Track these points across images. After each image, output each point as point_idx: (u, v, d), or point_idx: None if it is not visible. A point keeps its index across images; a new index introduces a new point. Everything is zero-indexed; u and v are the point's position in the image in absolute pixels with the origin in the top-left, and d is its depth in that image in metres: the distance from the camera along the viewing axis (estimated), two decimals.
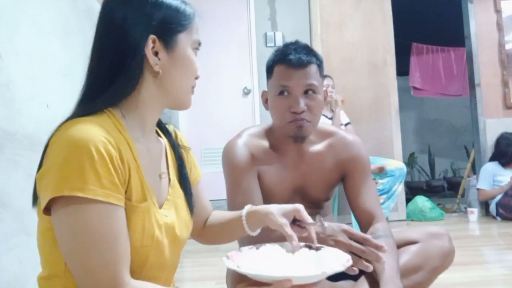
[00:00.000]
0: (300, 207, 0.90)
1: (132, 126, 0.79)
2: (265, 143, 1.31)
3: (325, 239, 1.03)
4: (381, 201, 3.01)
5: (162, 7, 0.78)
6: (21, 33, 1.35)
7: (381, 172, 3.17)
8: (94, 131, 0.68)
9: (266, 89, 1.32)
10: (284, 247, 0.84)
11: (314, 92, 1.22)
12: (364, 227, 1.24)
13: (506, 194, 3.71)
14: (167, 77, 0.79)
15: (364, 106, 3.92)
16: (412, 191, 5.96)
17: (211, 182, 2.59)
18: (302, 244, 0.85)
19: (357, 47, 3.97)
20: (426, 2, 5.35)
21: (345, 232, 1.05)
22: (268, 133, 1.33)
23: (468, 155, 4.97)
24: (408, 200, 4.06)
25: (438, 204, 4.55)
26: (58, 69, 1.62)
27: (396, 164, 3.26)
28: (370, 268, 0.99)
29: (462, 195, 4.62)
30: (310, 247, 0.85)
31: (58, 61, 1.63)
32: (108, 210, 0.67)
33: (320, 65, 1.25)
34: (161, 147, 0.89)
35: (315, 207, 1.32)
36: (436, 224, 2.91)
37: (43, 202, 0.68)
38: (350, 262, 0.77)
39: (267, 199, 1.25)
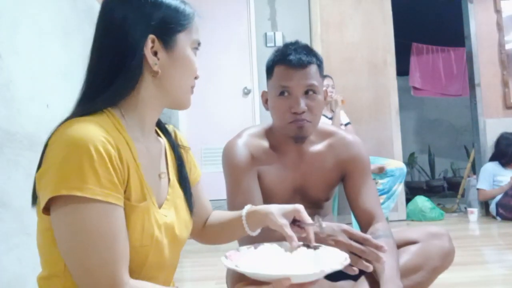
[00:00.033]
0: (300, 207, 0.90)
1: (132, 126, 0.79)
2: (265, 143, 1.31)
3: (325, 239, 1.03)
4: (381, 201, 3.01)
5: (162, 7, 0.78)
6: (21, 33, 1.35)
7: (381, 172, 3.17)
8: (93, 130, 0.68)
9: (266, 89, 1.32)
10: (282, 247, 0.84)
11: (314, 92, 1.22)
12: (364, 227, 1.24)
13: (506, 194, 3.71)
14: (166, 77, 0.79)
15: (364, 106, 3.92)
16: (412, 191, 5.96)
17: (211, 182, 2.59)
18: (300, 243, 0.86)
19: (357, 47, 3.97)
20: (426, 2, 5.35)
21: (345, 232, 1.05)
22: (268, 133, 1.33)
23: (468, 155, 4.97)
24: (408, 200, 4.06)
25: (438, 204, 4.55)
26: (58, 69, 1.63)
27: (396, 164, 3.26)
28: (370, 268, 0.99)
29: (462, 195, 4.62)
30: (308, 246, 0.85)
31: (58, 61, 1.63)
32: (107, 210, 0.67)
33: (320, 65, 1.25)
34: (161, 147, 0.89)
35: (315, 207, 1.32)
36: (436, 224, 2.91)
37: (42, 201, 0.68)
38: (348, 261, 0.77)
39: (267, 199, 1.25)
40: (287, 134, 1.25)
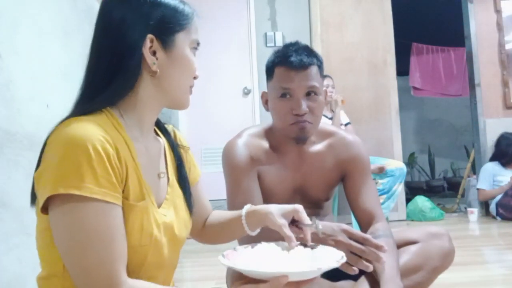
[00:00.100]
0: (299, 207, 0.90)
1: (130, 125, 0.79)
2: (265, 143, 1.31)
3: (325, 239, 1.03)
4: (381, 201, 3.01)
5: (160, 7, 0.78)
6: (21, 33, 1.35)
7: (381, 172, 3.17)
8: (92, 129, 0.68)
9: (265, 90, 1.32)
10: (279, 246, 0.84)
11: (315, 93, 1.22)
12: (364, 227, 1.24)
13: (506, 194, 3.71)
14: (165, 76, 0.79)
15: (364, 106, 3.92)
16: (412, 191, 5.96)
17: (211, 182, 2.59)
18: (298, 243, 0.86)
19: (357, 47, 3.97)
20: (426, 2, 5.35)
21: (345, 232, 1.05)
22: (268, 133, 1.33)
23: (468, 155, 4.97)
24: (408, 200, 4.06)
25: (438, 204, 4.55)
26: (58, 69, 1.62)
27: (396, 164, 3.26)
28: (370, 268, 0.99)
29: (462, 195, 4.62)
30: (305, 246, 0.86)
31: (58, 61, 1.63)
32: (104, 208, 0.67)
33: (320, 66, 1.25)
34: (160, 146, 0.89)
35: (315, 207, 1.32)
36: (436, 224, 2.91)
37: (40, 200, 0.68)
38: (344, 259, 0.78)
39: (267, 199, 1.25)
40: (289, 136, 1.25)
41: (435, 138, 7.23)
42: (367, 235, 1.04)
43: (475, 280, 1.97)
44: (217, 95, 3.90)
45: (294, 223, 0.90)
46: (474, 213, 3.82)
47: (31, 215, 0.76)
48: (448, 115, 7.21)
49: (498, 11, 4.21)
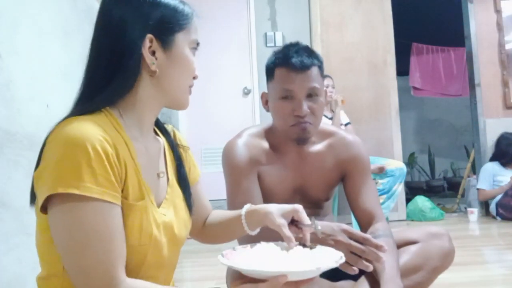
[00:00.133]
0: (299, 207, 0.90)
1: (130, 125, 0.79)
2: (265, 143, 1.31)
3: (325, 239, 1.03)
4: (381, 201, 3.01)
5: (160, 7, 0.78)
6: (21, 33, 1.35)
7: (381, 172, 3.17)
8: (91, 129, 0.68)
9: (265, 90, 1.32)
10: (278, 246, 0.84)
11: (316, 95, 1.22)
12: (364, 227, 1.24)
13: (506, 194, 3.71)
14: (164, 76, 0.79)
15: (364, 106, 3.92)
16: (412, 191, 5.96)
17: (211, 182, 2.60)
18: (297, 243, 0.86)
19: (357, 47, 3.97)
20: (426, 2, 5.35)
21: (345, 232, 1.05)
22: (268, 133, 1.33)
23: (468, 155, 4.97)
24: (408, 200, 4.06)
25: (438, 204, 4.55)
26: (58, 69, 1.63)
27: (396, 164, 3.26)
28: (370, 268, 0.99)
29: (462, 195, 4.61)
30: (304, 246, 0.86)
31: (58, 61, 1.63)
32: (103, 208, 0.67)
33: (321, 66, 1.25)
34: (160, 146, 0.89)
35: (315, 207, 1.32)
36: (436, 224, 2.91)
37: (40, 200, 0.68)
38: (343, 259, 0.78)
39: (267, 199, 1.25)
40: (290, 137, 1.25)
41: (435, 138, 7.23)
42: (367, 235, 1.04)
43: (475, 280, 1.97)
44: (217, 95, 3.90)
45: (294, 223, 0.90)
46: (474, 213, 3.82)
47: (31, 215, 0.76)
48: (448, 115, 7.21)
49: (498, 11, 4.21)
